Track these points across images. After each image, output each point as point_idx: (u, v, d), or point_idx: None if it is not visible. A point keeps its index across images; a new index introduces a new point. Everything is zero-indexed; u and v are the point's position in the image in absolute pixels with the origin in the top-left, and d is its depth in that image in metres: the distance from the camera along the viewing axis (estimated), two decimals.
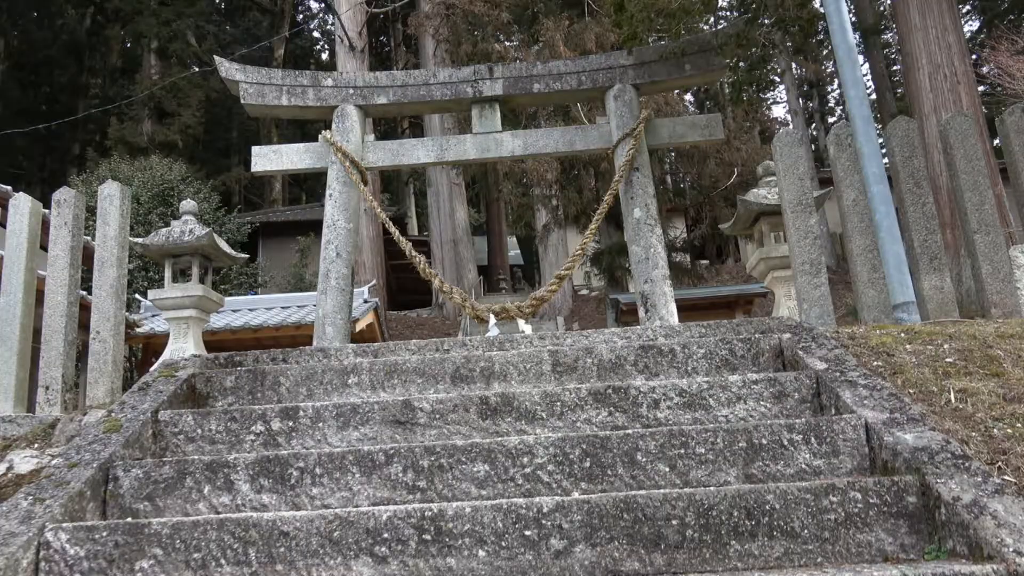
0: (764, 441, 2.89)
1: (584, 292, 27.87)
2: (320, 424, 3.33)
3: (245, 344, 15.71)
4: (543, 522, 2.49)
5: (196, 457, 3.04)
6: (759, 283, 12.27)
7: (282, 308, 16.16)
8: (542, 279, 29.40)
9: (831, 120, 46.80)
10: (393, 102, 9.96)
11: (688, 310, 13.29)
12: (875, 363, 3.66)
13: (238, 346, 15.78)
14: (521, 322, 8.68)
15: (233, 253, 9.37)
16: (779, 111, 42.42)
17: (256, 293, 20.91)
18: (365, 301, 16.22)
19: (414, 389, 3.69)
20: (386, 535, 2.51)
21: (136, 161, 20.08)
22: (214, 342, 15.19)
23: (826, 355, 3.54)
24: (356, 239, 9.81)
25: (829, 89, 47.06)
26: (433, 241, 30.57)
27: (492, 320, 8.54)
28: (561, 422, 3.28)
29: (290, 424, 3.34)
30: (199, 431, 3.37)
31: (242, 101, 10.07)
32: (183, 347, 8.78)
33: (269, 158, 9.99)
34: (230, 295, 18.21)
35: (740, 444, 2.89)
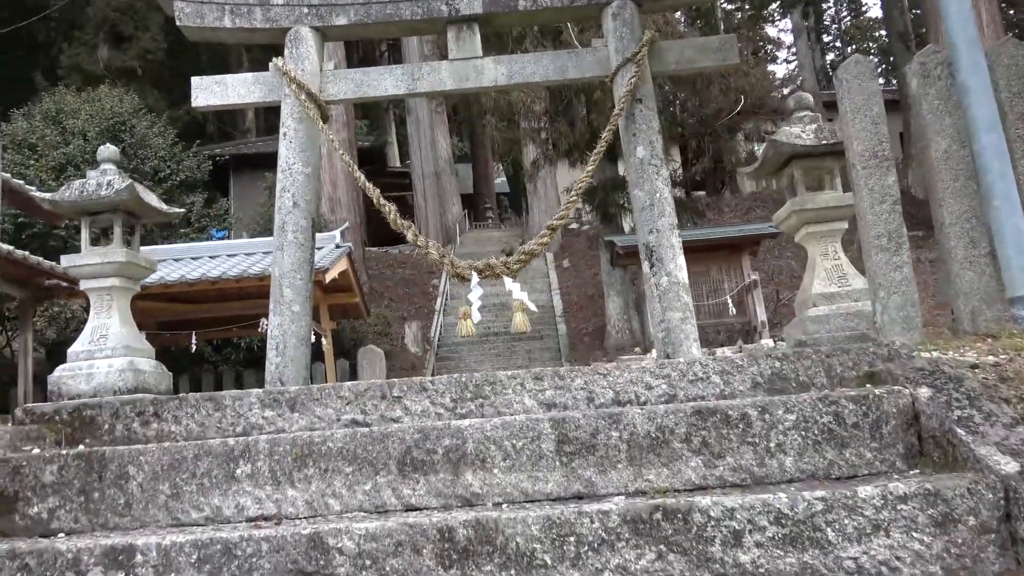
0: None
1: (574, 227, 26.42)
2: None
3: (208, 296, 14.28)
4: None
5: None
6: (766, 223, 10.90)
7: (246, 255, 14.66)
8: (530, 214, 27.86)
9: (826, 39, 44.73)
10: (355, 23, 8.38)
11: (692, 252, 11.94)
12: None
13: (200, 299, 14.34)
14: (508, 280, 7.39)
15: (164, 208, 7.86)
16: (771, 31, 40.10)
17: (227, 234, 19.28)
18: (337, 246, 14.75)
19: (339, 485, 2.33)
20: None
21: (84, 92, 18.16)
22: (169, 294, 13.77)
23: (1006, 439, 2.17)
24: (317, 184, 8.39)
25: (824, 7, 44.63)
26: (414, 173, 28.92)
27: (475, 279, 7.25)
28: (578, 574, 1.93)
29: None
30: None
31: (178, 24, 8.46)
32: (106, 323, 7.39)
33: (212, 90, 8.48)
34: (191, 240, 16.68)
35: None
